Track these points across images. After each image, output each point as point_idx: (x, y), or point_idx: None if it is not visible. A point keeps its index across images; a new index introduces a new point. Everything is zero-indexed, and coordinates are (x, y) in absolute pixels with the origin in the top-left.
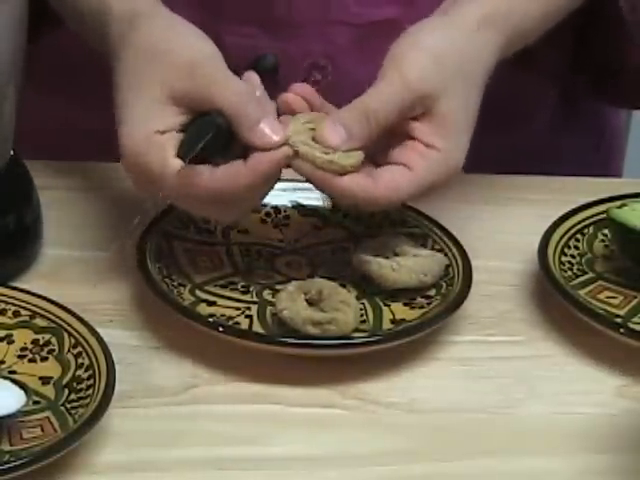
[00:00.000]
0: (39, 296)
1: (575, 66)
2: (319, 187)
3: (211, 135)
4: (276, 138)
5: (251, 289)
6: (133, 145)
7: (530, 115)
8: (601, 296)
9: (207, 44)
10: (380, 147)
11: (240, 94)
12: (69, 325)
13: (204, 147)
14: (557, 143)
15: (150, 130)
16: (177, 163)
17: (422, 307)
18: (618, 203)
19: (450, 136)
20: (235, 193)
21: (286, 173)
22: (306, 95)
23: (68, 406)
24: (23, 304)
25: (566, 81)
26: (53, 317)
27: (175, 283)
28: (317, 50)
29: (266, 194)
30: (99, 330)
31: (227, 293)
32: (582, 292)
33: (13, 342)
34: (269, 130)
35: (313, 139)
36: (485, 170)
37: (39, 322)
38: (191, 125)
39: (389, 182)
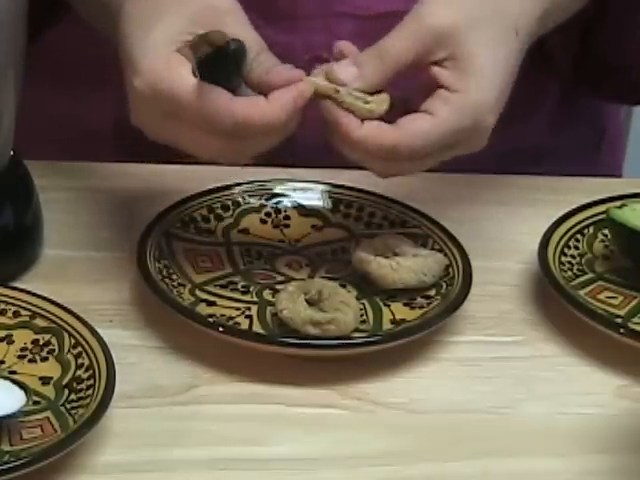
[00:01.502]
0: (39, 296)
1: (576, 62)
2: (340, 135)
3: (229, 56)
4: (297, 73)
5: (251, 289)
6: (150, 67)
7: (532, 110)
8: (601, 296)
9: None
10: (417, 106)
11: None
12: (69, 325)
13: (219, 71)
14: (557, 141)
15: (169, 50)
16: (195, 80)
17: (422, 307)
18: (618, 203)
19: (475, 79)
20: (254, 124)
21: (286, 173)
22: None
23: (68, 406)
24: (23, 304)
25: (568, 77)
26: (53, 317)
27: (175, 283)
28: (319, 43)
29: (280, 138)
30: (99, 330)
31: (227, 293)
32: (582, 292)
33: (13, 342)
34: (287, 68)
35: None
36: (485, 168)
37: (39, 322)
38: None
39: (410, 128)
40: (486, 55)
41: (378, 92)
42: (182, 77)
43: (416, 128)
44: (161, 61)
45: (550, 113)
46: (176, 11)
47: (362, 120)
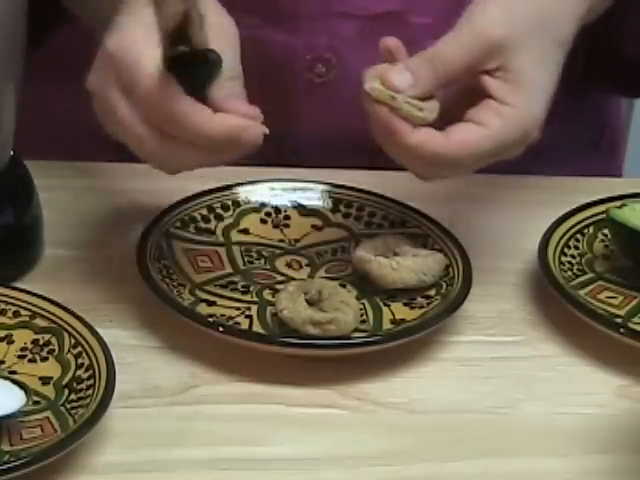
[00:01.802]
0: (39, 296)
1: (588, 55)
2: (394, 140)
3: (203, 65)
4: (254, 113)
5: (251, 289)
6: (129, 35)
7: None
8: (601, 296)
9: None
10: (457, 109)
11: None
12: (69, 325)
13: (187, 73)
14: (558, 137)
15: (151, 30)
16: (160, 69)
17: (422, 307)
18: (618, 203)
19: (525, 93)
20: (192, 129)
21: (286, 173)
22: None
23: (68, 406)
24: (23, 304)
25: (578, 72)
26: (53, 317)
27: (175, 283)
28: (321, 43)
29: (208, 161)
30: (99, 330)
31: (227, 293)
32: (582, 292)
33: (13, 342)
34: (248, 106)
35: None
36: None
37: (39, 322)
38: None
39: (461, 138)
40: (535, 69)
41: (428, 98)
42: (151, 56)
43: (467, 139)
44: (140, 32)
45: (552, 109)
46: None
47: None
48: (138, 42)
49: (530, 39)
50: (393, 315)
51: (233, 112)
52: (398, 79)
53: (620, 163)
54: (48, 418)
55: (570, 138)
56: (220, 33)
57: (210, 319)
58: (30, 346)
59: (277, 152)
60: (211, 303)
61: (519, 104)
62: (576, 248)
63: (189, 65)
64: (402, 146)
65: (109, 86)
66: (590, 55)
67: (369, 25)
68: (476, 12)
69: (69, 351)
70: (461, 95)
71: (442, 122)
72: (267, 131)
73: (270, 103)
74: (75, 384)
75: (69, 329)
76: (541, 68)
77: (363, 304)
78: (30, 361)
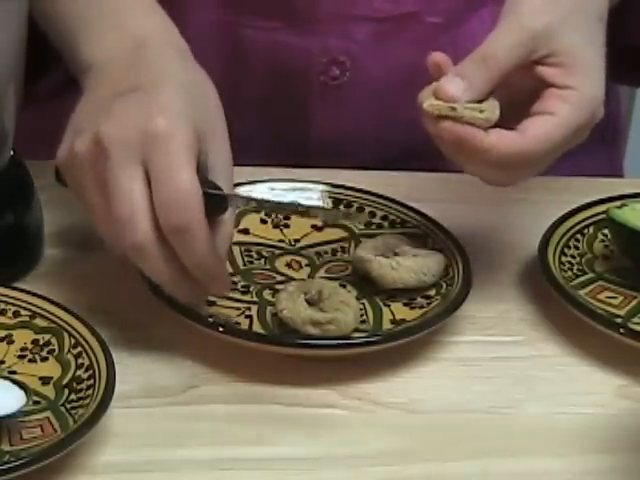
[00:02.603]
0: (39, 296)
1: None
2: (468, 148)
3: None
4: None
5: (251, 289)
6: (179, 131)
7: None
8: (601, 296)
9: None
10: (520, 110)
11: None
12: (69, 325)
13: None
14: None
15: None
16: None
17: (422, 307)
18: (618, 203)
19: (582, 72)
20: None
21: (286, 173)
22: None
23: (68, 406)
24: (23, 304)
25: None
26: (53, 317)
27: None
28: (336, 46)
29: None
30: (99, 330)
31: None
32: (582, 292)
33: (13, 342)
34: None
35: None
36: None
37: (39, 322)
38: None
39: (536, 131)
40: (585, 48)
41: (485, 99)
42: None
43: (541, 131)
44: (191, 136)
45: None
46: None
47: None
48: (184, 136)
49: (574, 20)
50: (393, 315)
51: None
52: (452, 88)
53: (622, 155)
54: (48, 418)
55: None
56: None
57: (210, 319)
58: (30, 346)
59: (291, 154)
60: (211, 303)
61: (581, 85)
62: (576, 248)
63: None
64: (478, 151)
65: (128, 161)
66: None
67: (384, 27)
68: (518, 3)
69: (69, 351)
70: (520, 94)
71: (507, 126)
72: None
73: (285, 106)
74: (75, 384)
75: (69, 329)
76: (590, 46)
77: (363, 304)
78: (30, 361)
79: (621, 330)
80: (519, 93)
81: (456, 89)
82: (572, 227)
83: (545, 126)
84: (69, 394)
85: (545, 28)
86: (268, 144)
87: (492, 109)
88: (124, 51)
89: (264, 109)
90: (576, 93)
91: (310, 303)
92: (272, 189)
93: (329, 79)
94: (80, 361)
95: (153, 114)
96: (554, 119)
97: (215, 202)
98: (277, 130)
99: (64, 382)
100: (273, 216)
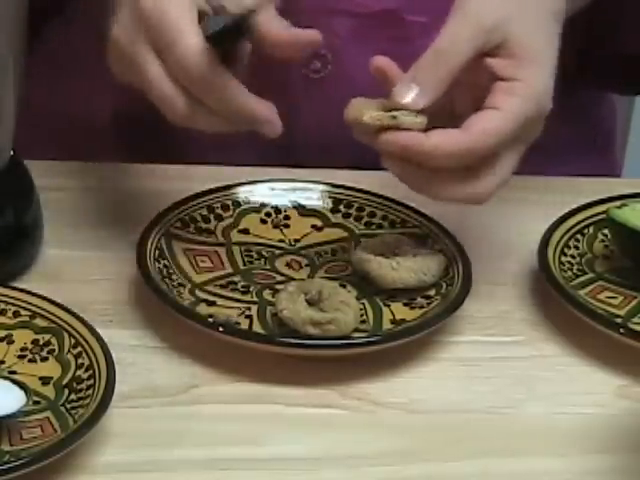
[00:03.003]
0: (39, 296)
1: (581, 54)
2: (413, 155)
3: (239, 21)
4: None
5: (251, 289)
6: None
7: None
8: (601, 296)
9: None
10: (468, 109)
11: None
12: (69, 325)
13: (225, 36)
14: (553, 137)
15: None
16: (197, 33)
17: (422, 307)
18: (618, 203)
19: (530, 63)
20: (228, 105)
21: (286, 173)
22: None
23: (68, 406)
24: (23, 304)
25: (571, 70)
26: (53, 317)
27: (175, 283)
28: None
29: (235, 130)
30: (99, 330)
31: (227, 293)
32: (582, 292)
33: (13, 342)
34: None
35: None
36: None
37: (39, 322)
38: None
39: (480, 126)
40: (534, 40)
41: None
42: (192, 26)
43: (487, 126)
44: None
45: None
46: None
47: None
48: (177, 3)
49: (522, 12)
50: (393, 315)
51: (294, 40)
52: (406, 96)
53: (616, 161)
54: (48, 418)
55: (566, 136)
56: None
57: (210, 319)
58: (30, 346)
59: (275, 148)
60: (211, 303)
61: (528, 77)
62: (576, 248)
63: (227, 36)
64: (422, 155)
65: (139, 41)
66: (583, 54)
67: (366, 23)
68: (465, 0)
69: (69, 351)
70: (474, 90)
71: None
72: (279, 133)
73: (268, 99)
74: (75, 384)
75: (69, 329)
76: (540, 38)
77: (363, 304)
78: (30, 361)
79: (621, 330)
80: (473, 91)
81: (409, 98)
82: (572, 227)
83: (490, 120)
84: (69, 394)
85: (494, 21)
86: (252, 139)
87: (423, 116)
88: None
89: None
90: (523, 85)
91: (310, 303)
92: (272, 189)
93: (310, 72)
94: (80, 361)
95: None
96: (499, 113)
97: (236, 24)
98: None
99: (64, 382)
100: (273, 216)
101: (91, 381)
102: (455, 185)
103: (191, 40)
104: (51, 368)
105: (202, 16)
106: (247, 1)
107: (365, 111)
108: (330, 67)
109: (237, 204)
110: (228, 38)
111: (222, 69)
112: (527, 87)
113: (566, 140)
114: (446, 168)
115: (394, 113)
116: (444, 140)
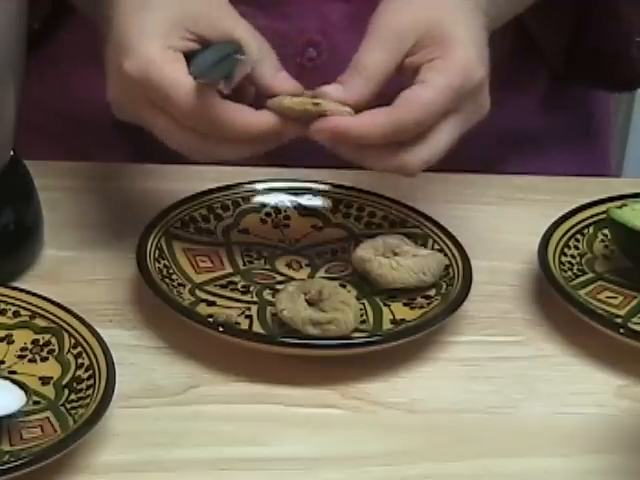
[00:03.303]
0: (39, 296)
1: (568, 54)
2: (343, 139)
3: (228, 58)
4: (296, 84)
5: (251, 289)
6: (147, 56)
7: (522, 93)
8: (601, 296)
9: None
10: None
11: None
12: (69, 325)
13: (215, 70)
14: (546, 124)
15: (165, 44)
16: (190, 79)
17: (422, 307)
18: (618, 203)
19: (447, 43)
20: (244, 131)
21: (286, 173)
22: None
23: (68, 406)
24: (23, 304)
25: (558, 69)
26: (53, 317)
27: (175, 283)
28: (312, 27)
29: (253, 151)
30: (99, 330)
31: (227, 293)
32: (582, 292)
33: (13, 342)
34: (288, 78)
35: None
36: (478, 154)
37: (39, 322)
38: (204, 49)
39: (408, 99)
40: (459, 27)
41: None
42: (176, 74)
43: (414, 97)
44: (157, 52)
45: (540, 97)
46: (176, 2)
47: None
48: (157, 60)
49: (438, 5)
50: (393, 315)
51: (280, 87)
52: (335, 91)
53: (608, 153)
54: (48, 418)
55: (558, 128)
56: (227, 16)
57: (210, 319)
58: (30, 346)
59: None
60: (211, 303)
61: (446, 54)
62: (576, 248)
63: (218, 67)
64: (353, 136)
65: (139, 105)
66: (571, 52)
67: (357, 9)
68: (380, 9)
69: (69, 351)
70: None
71: None
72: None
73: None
74: (75, 384)
75: (69, 329)
76: (464, 25)
77: (363, 304)
78: (30, 361)
79: (621, 330)
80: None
81: (339, 92)
82: (572, 227)
83: (414, 95)
84: (69, 394)
85: (407, 26)
86: None
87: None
88: None
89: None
90: (441, 61)
91: (310, 303)
92: (272, 189)
93: (305, 60)
94: (80, 361)
95: (121, 63)
96: (425, 86)
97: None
98: None
99: (64, 382)
100: (273, 216)
101: (91, 381)
102: (387, 157)
103: (182, 90)
104: (51, 368)
105: (187, 56)
106: (250, 48)
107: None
108: (325, 54)
109: (237, 204)
110: (219, 71)
111: (223, 102)
112: (447, 60)
113: (558, 132)
114: (378, 144)
115: (318, 100)
116: (374, 118)
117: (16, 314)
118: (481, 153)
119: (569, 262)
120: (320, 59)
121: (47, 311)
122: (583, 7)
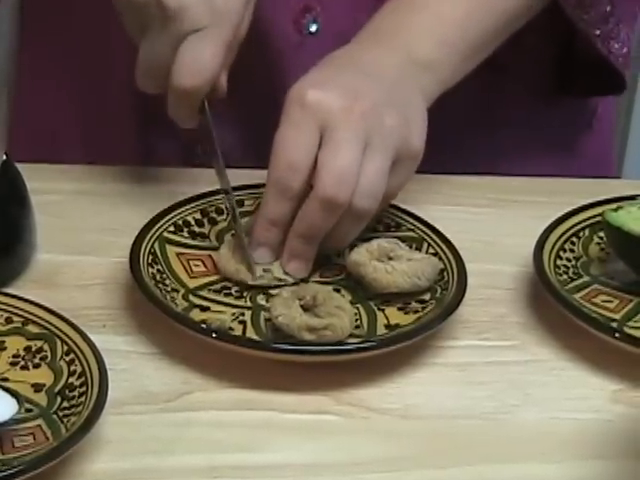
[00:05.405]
0: (31, 302)
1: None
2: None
3: None
4: None
5: (245, 294)
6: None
7: (508, 115)
8: (596, 300)
9: None
10: None
11: None
12: (62, 332)
13: None
14: (551, 114)
15: None
16: None
17: (417, 312)
18: (614, 206)
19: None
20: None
21: None
22: None
23: (60, 414)
24: (15, 310)
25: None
26: (46, 324)
27: (168, 288)
28: None
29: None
30: (92, 336)
31: (221, 298)
32: (577, 296)
33: (5, 349)
34: None
35: None
36: (473, 159)
37: (31, 329)
38: None
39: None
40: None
41: None
42: None
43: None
44: None
45: (527, 114)
46: None
47: None
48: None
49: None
50: (387, 320)
51: None
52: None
53: (610, 144)
54: (40, 426)
55: (562, 121)
56: None
57: (203, 325)
58: (22, 353)
59: (271, 109)
60: (205, 309)
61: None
62: (572, 251)
63: None
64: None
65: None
66: (561, 63)
67: None
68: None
69: (62, 358)
70: None
71: None
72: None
73: (259, 60)
74: (67, 391)
75: (62, 336)
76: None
77: (357, 309)
78: (22, 368)
79: (616, 334)
80: None
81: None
82: (568, 230)
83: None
84: (61, 401)
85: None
86: (244, 100)
87: None
88: None
89: (241, 66)
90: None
91: (305, 309)
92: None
93: (302, 27)
94: (73, 368)
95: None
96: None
97: None
98: (253, 85)
99: (56, 389)
100: None
101: (84, 388)
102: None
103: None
104: (43, 375)
105: None
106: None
107: None
108: (320, 20)
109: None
110: None
111: None
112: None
113: (562, 124)
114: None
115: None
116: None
117: (8, 320)
118: (475, 155)
119: (564, 265)
120: (316, 26)
121: (40, 317)
122: (556, 31)
